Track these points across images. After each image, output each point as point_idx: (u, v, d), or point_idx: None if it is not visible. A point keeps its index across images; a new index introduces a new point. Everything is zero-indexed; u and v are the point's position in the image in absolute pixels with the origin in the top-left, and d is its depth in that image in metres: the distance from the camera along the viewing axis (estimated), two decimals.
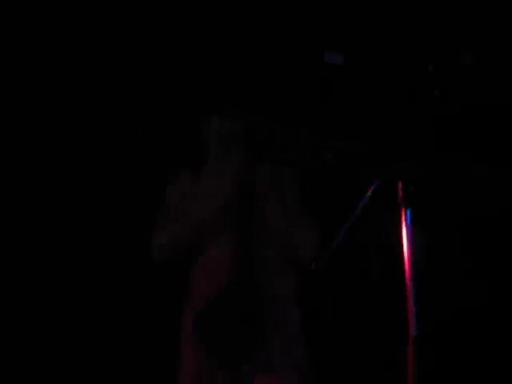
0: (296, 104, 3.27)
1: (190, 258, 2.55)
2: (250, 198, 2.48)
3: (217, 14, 3.59)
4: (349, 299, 3.55)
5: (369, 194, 2.14)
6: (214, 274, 2.47)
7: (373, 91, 3.65)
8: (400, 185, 2.08)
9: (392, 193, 2.09)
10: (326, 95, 3.60)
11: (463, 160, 3.83)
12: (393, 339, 2.54)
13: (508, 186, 3.85)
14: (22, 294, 3.52)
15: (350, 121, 3.68)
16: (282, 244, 2.50)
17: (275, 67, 3.50)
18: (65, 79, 3.60)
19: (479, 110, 3.79)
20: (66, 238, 3.58)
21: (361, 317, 3.52)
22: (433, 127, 3.67)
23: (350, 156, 3.52)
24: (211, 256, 2.49)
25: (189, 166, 2.69)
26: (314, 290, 3.20)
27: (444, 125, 3.77)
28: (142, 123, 3.59)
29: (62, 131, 3.61)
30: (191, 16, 3.59)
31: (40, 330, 3.51)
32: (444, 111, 3.70)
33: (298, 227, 2.54)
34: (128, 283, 3.55)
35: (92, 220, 3.61)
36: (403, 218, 2.06)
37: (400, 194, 2.07)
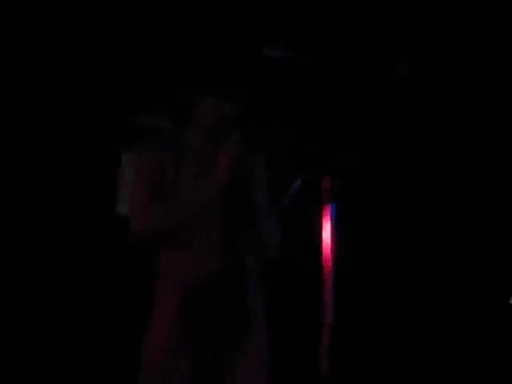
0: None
1: (170, 242, 2.42)
2: (239, 184, 2.41)
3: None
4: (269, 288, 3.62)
5: (296, 184, 2.19)
6: (199, 260, 2.37)
7: (308, 86, 3.71)
8: (327, 179, 2.13)
9: (319, 186, 2.15)
10: (268, 88, 3.63)
11: (393, 158, 3.93)
12: (310, 327, 2.60)
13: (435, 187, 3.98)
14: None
15: (284, 112, 3.74)
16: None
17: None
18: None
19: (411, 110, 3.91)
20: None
21: (280, 308, 3.58)
22: (367, 124, 3.76)
23: None
24: (196, 242, 2.39)
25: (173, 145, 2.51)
26: None
27: (379, 124, 3.86)
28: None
29: None
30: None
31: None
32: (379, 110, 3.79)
33: (267, 224, 2.47)
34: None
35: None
36: (327, 211, 2.12)
37: (326, 187, 2.13)
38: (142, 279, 2.88)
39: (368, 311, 3.85)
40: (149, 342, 2.38)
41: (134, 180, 2.47)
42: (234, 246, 2.39)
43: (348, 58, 3.52)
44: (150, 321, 2.40)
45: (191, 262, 2.38)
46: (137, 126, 3.63)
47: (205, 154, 2.47)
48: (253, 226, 2.42)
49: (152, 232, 2.38)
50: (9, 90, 3.55)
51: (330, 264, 2.09)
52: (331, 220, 2.12)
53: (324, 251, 2.10)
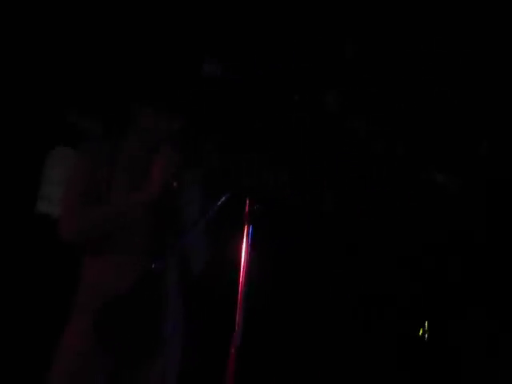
0: None
1: (95, 247, 2.42)
2: (169, 196, 2.42)
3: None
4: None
5: (218, 204, 2.24)
6: (120, 269, 2.38)
7: (234, 106, 3.77)
8: (247, 201, 2.20)
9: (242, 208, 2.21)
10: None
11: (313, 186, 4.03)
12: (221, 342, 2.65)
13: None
14: None
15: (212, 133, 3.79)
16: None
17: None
18: None
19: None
20: None
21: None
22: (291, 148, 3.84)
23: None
24: (120, 249, 2.40)
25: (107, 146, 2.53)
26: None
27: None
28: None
29: None
30: None
31: None
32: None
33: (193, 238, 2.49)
34: None
35: None
36: (246, 232, 2.19)
37: (246, 209, 2.19)
38: (61, 277, 2.85)
39: (276, 333, 3.93)
40: (63, 345, 2.38)
41: (69, 180, 2.48)
42: (157, 257, 2.37)
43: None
44: (65, 325, 2.41)
45: (112, 269, 2.39)
46: (67, 126, 3.62)
47: (139, 163, 2.48)
48: (179, 239, 2.42)
49: (87, 234, 2.40)
50: None
51: (241, 284, 2.15)
52: (247, 241, 2.18)
53: (241, 270, 2.17)
